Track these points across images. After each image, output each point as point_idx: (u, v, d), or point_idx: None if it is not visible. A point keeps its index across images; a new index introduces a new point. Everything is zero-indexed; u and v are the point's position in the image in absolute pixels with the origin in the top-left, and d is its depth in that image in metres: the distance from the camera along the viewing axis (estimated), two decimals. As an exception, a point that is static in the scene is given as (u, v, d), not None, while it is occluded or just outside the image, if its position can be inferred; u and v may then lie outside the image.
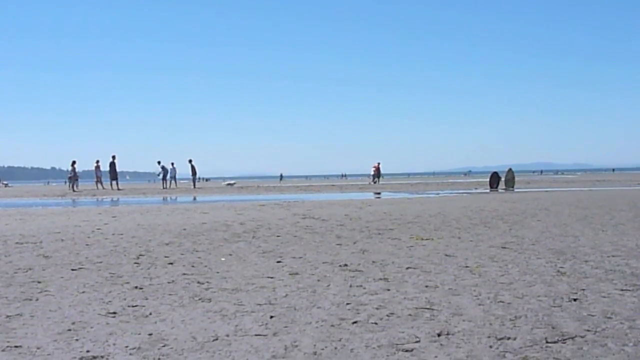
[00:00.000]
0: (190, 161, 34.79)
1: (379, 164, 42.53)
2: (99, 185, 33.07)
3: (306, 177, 72.62)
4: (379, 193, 24.76)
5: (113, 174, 31.78)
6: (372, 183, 41.29)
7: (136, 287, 4.57)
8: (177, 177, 34.87)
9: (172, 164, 34.35)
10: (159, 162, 33.82)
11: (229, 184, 42.50)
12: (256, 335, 3.20)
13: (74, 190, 31.24)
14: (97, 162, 33.50)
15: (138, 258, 6.12)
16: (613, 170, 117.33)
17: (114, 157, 31.78)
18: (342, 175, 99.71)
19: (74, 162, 32.40)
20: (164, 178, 33.65)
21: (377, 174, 42.40)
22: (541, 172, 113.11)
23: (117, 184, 32.17)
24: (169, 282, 4.77)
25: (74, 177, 32.33)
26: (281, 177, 73.47)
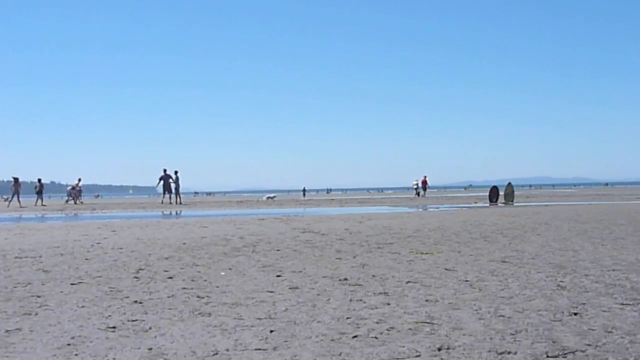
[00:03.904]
0: (175, 172, 32.39)
1: (425, 177, 43.31)
2: (72, 201, 34.41)
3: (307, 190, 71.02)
4: (425, 206, 24.65)
5: (168, 187, 31.37)
6: (418, 196, 42.01)
7: (136, 302, 4.56)
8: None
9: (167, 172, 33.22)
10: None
11: (269, 197, 42.95)
12: (256, 349, 3.20)
13: (43, 205, 32.09)
14: (79, 180, 35.31)
15: (138, 272, 6.11)
16: (606, 184, 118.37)
17: (165, 170, 31.41)
18: (328, 191, 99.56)
19: (39, 180, 34.00)
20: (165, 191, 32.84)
21: (424, 186, 43.16)
22: (530, 186, 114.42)
23: (178, 197, 31.69)
24: (168, 297, 4.76)
25: (40, 193, 33.43)
26: (304, 191, 68.94)
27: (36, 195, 33.74)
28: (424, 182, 43.57)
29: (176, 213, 22.52)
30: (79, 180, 37.29)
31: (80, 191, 37.21)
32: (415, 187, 44.55)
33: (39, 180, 34.30)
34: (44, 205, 32.51)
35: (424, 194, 43.01)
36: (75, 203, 35.57)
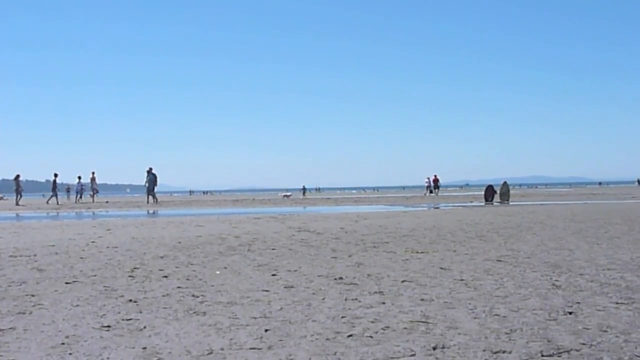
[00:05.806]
0: (150, 170, 31.07)
1: (436, 175, 43.78)
2: (77, 198, 34.07)
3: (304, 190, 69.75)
4: (437, 206, 24.65)
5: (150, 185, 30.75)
6: (430, 193, 42.29)
7: (130, 301, 4.55)
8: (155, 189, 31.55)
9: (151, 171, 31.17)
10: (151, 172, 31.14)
11: (285, 196, 43.63)
12: (251, 349, 3.19)
13: (47, 203, 31.85)
14: (93, 173, 34.77)
15: (132, 271, 6.09)
16: (599, 183, 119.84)
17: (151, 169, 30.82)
18: (317, 189, 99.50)
19: (56, 175, 33.21)
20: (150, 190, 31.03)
21: (436, 185, 43.54)
22: (520, 185, 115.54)
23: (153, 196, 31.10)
24: (163, 296, 4.74)
25: (53, 190, 32.91)
26: (304, 190, 66.42)
27: (51, 193, 33.04)
28: (435, 181, 43.93)
29: (155, 212, 22.48)
30: (93, 173, 35.93)
31: (83, 189, 36.60)
32: (427, 184, 45.06)
33: (55, 176, 33.04)
34: (47, 203, 32.20)
35: (437, 192, 43.34)
36: (93, 200, 34.99)
